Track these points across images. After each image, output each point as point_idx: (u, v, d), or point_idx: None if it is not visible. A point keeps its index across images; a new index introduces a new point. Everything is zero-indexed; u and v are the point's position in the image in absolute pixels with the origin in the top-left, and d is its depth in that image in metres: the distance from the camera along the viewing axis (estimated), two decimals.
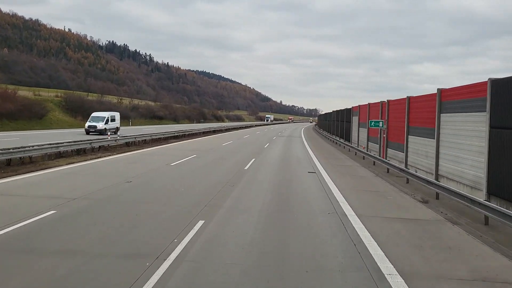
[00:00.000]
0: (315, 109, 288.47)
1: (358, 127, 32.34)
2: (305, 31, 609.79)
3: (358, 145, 31.18)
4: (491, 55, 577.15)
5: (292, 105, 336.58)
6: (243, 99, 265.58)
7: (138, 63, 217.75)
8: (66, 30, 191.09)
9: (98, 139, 23.92)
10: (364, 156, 24.27)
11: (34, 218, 8.39)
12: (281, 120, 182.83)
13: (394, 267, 6.40)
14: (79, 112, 55.08)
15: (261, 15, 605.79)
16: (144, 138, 29.82)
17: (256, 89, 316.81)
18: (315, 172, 17.58)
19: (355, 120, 34.25)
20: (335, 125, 47.13)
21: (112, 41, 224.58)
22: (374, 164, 21.29)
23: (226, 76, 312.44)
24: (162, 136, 33.89)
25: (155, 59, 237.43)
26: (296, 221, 9.09)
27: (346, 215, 9.81)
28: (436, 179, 14.63)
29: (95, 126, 35.53)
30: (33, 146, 17.38)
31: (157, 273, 5.74)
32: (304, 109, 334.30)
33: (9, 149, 15.88)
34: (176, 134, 37.39)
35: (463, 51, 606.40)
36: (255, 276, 5.90)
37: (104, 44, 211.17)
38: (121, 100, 78.26)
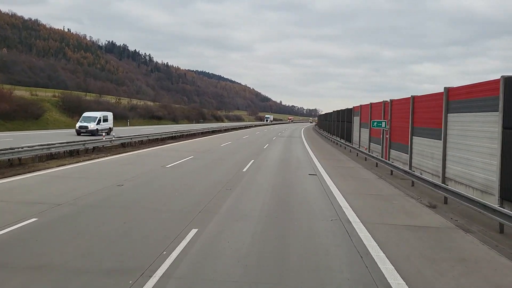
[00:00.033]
0: (315, 109, 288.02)
1: (360, 128, 31.67)
2: (305, 31, 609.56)
3: (359, 145, 30.51)
4: (491, 55, 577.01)
5: (292, 105, 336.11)
6: (243, 99, 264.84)
7: (137, 63, 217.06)
8: (66, 30, 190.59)
9: (92, 139, 23.23)
10: (366, 158, 23.62)
11: (12, 228, 7.71)
12: (280, 120, 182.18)
13: (406, 284, 5.75)
14: (76, 112, 54.28)
15: (261, 15, 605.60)
16: (140, 139, 29.14)
17: (256, 89, 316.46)
18: (316, 174, 16.92)
19: (356, 120, 33.59)
20: (336, 126, 46.47)
21: (112, 41, 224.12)
22: (376, 166, 20.63)
23: (226, 76, 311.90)
24: (160, 137, 33.21)
25: (154, 59, 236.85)
26: (297, 229, 8.43)
27: (350, 222, 9.15)
28: (443, 182, 13.98)
29: (86, 127, 34.18)
30: (22, 148, 16.70)
31: None
32: (304, 109, 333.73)
33: None
34: (174, 135, 36.71)
35: (463, 51, 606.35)
36: None
37: (103, 44, 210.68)
38: (119, 100, 77.51)
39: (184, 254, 6.58)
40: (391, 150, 21.94)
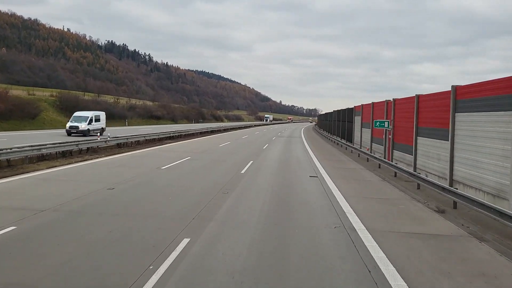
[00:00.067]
0: (315, 109, 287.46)
1: (361, 128, 30.99)
2: (305, 31, 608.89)
3: (360, 146, 29.85)
4: (491, 55, 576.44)
5: (292, 105, 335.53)
6: (243, 99, 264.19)
7: (137, 63, 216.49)
8: (65, 30, 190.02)
9: (86, 140, 22.55)
10: (368, 158, 22.96)
11: None
12: (280, 120, 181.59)
13: None
14: (73, 112, 53.38)
15: (261, 15, 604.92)
16: (137, 139, 28.47)
17: (255, 89, 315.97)
18: (317, 176, 16.27)
19: (357, 120, 32.91)
20: (336, 125, 45.80)
21: (111, 40, 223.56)
22: (379, 167, 19.98)
23: (225, 76, 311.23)
24: (157, 137, 32.53)
25: (154, 59, 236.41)
26: (298, 239, 7.77)
27: (355, 230, 8.49)
28: (451, 184, 13.32)
29: (77, 127, 32.50)
30: (11, 149, 16.02)
31: None
32: (303, 109, 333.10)
33: None
34: (171, 135, 36.03)
35: (463, 51, 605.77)
36: None
37: (103, 44, 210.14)
38: (118, 100, 76.81)
39: (173, 269, 5.92)
40: (394, 151, 21.28)
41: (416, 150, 17.50)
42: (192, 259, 6.39)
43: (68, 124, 33.25)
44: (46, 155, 17.93)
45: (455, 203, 11.17)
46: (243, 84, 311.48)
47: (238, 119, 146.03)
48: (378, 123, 21.94)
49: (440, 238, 8.23)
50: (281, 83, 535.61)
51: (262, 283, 5.61)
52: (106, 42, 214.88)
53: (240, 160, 20.92)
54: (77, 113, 35.30)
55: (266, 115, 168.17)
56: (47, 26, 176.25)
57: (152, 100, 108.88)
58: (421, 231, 8.68)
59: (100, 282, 5.47)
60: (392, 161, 20.13)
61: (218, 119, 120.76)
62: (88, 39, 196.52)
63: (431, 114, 16.08)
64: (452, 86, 13.70)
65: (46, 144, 18.12)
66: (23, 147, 16.79)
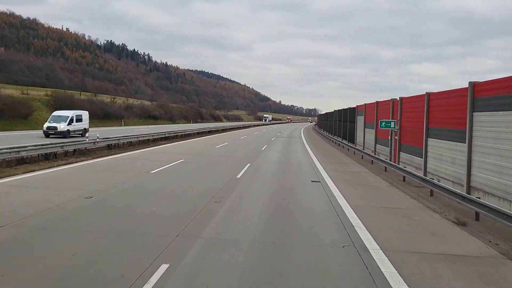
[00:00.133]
0: (314, 109, 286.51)
1: (364, 128, 29.66)
2: (304, 31, 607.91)
3: (363, 147, 28.55)
4: (490, 55, 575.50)
5: (291, 105, 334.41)
6: (242, 99, 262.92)
7: (136, 63, 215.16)
8: (64, 29, 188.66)
9: (73, 141, 21.17)
10: (372, 161, 21.65)
11: None
12: (280, 120, 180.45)
13: None
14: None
15: (260, 15, 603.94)
16: (129, 140, 27.12)
17: (255, 89, 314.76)
18: (319, 181, 14.97)
19: (360, 120, 31.59)
20: (338, 126, 44.46)
21: (111, 40, 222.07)
22: (385, 170, 18.67)
23: (225, 76, 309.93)
24: (151, 138, 31.15)
25: (153, 59, 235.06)
26: (300, 264, 6.45)
27: (368, 250, 7.18)
28: (468, 192, 12.01)
29: (55, 127, 29.37)
30: None
31: None
32: (303, 109, 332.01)
33: None
34: (167, 135, 34.68)
35: (462, 51, 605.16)
36: None
37: (102, 43, 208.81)
38: (114, 99, 75.43)
39: None
40: (401, 153, 19.97)
41: (426, 152, 16.19)
42: None
43: (46, 125, 30.21)
44: (27, 158, 16.60)
45: (477, 214, 9.87)
46: (243, 84, 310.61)
47: (237, 119, 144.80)
48: (383, 123, 20.63)
49: (470, 261, 6.92)
50: (280, 83, 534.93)
51: None
52: (105, 41, 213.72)
53: (237, 162, 19.62)
54: (56, 113, 32.32)
55: (265, 115, 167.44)
56: (45, 25, 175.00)
57: (151, 100, 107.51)
58: (445, 251, 7.37)
59: None
60: (398, 164, 18.82)
61: (217, 119, 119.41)
62: (87, 38, 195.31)
63: (444, 114, 14.76)
64: (470, 83, 12.39)
65: (26, 146, 16.77)
66: (0, 149, 15.45)
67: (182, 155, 22.15)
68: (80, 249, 6.65)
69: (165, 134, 34.49)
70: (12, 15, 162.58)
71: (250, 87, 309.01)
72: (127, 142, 26.61)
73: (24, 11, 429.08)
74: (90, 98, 67.28)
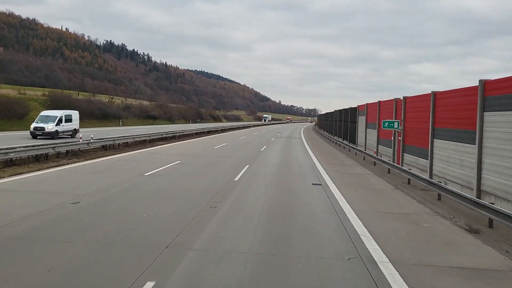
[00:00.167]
0: (314, 109, 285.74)
1: (366, 128, 29.02)
2: (304, 31, 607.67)
3: (365, 148, 27.91)
4: (490, 55, 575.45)
5: (291, 105, 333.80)
6: (242, 99, 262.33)
7: (136, 63, 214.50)
8: (63, 29, 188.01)
9: (65, 142, 20.49)
10: (375, 162, 21.00)
11: None
12: (279, 120, 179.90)
13: None
14: None
15: (260, 15, 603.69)
16: (125, 141, 26.44)
17: (255, 89, 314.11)
18: (320, 184, 14.32)
19: (361, 120, 30.94)
20: (338, 126, 43.82)
21: (110, 40, 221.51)
22: (389, 172, 18.01)
23: (224, 76, 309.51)
24: (148, 138, 30.46)
25: (153, 59, 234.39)
26: (302, 278, 5.79)
27: (376, 262, 6.53)
28: (478, 196, 11.37)
29: (43, 128, 27.79)
30: None
31: None
32: (303, 109, 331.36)
33: None
34: (164, 136, 34.00)
35: (462, 51, 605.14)
36: None
37: (101, 43, 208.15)
38: (113, 99, 74.76)
39: None
40: (404, 154, 19.33)
41: (432, 154, 15.55)
42: None
43: (33, 125, 28.57)
44: (16, 159, 15.93)
45: (491, 221, 9.23)
46: (242, 84, 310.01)
47: (237, 119, 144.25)
48: (386, 123, 19.97)
49: (489, 275, 6.26)
50: (280, 83, 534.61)
51: None
52: (104, 42, 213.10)
53: (235, 164, 18.97)
54: (44, 112, 30.93)
55: (264, 115, 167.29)
56: (45, 25, 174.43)
57: (150, 100, 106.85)
58: (460, 264, 6.72)
59: None
60: (402, 165, 18.20)
61: (216, 119, 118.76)
62: (86, 38, 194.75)
63: (451, 114, 14.11)
64: (480, 81, 11.74)
65: (15, 147, 16.08)
66: None
67: (178, 156, 21.49)
68: (57, 263, 5.98)
69: (162, 135, 33.83)
70: (11, 15, 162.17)
71: (250, 87, 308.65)
72: (123, 142, 25.93)
73: (24, 11, 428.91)
74: (88, 98, 66.61)
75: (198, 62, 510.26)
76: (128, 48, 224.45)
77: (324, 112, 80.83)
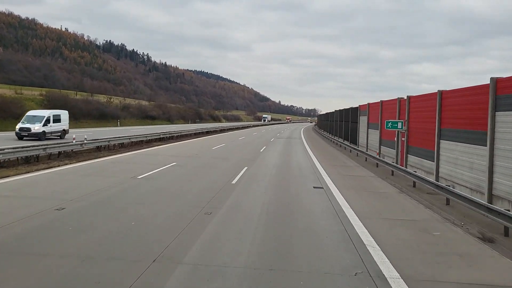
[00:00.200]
0: (314, 109, 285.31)
1: (367, 129, 28.35)
2: (304, 31, 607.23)
3: (367, 149, 27.24)
4: (490, 55, 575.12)
5: (291, 105, 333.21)
6: (242, 99, 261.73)
7: (135, 63, 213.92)
8: (63, 29, 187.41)
9: (57, 143, 19.81)
10: (377, 164, 20.33)
11: None
12: (279, 120, 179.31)
13: None
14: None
15: (260, 15, 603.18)
16: (121, 141, 25.76)
17: (254, 89, 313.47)
18: (322, 187, 13.66)
19: (363, 120, 30.27)
20: (339, 126, 43.15)
21: (110, 40, 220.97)
22: (392, 174, 17.35)
23: (224, 76, 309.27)
24: (145, 139, 29.77)
25: (152, 59, 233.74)
26: None
27: (386, 279, 5.87)
28: (490, 201, 10.72)
29: (29, 129, 26.34)
30: None
31: None
32: (303, 109, 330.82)
33: None
34: (162, 136, 33.33)
35: (462, 51, 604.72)
36: None
37: (101, 43, 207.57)
38: (111, 99, 74.08)
39: None
40: (409, 155, 18.66)
41: (438, 155, 14.89)
42: None
43: (18, 126, 27.04)
44: (5, 161, 15.27)
45: (506, 229, 8.56)
46: (242, 84, 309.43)
47: (237, 119, 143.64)
48: (390, 124, 19.32)
49: None
50: (280, 83, 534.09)
51: None
52: (104, 41, 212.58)
53: (233, 166, 18.30)
54: (31, 112, 29.26)
55: (264, 115, 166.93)
56: (44, 25, 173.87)
57: (149, 100, 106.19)
58: (479, 280, 6.06)
59: None
60: (406, 167, 17.54)
61: (216, 119, 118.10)
62: (86, 38, 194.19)
63: (459, 113, 13.46)
64: (492, 79, 11.08)
65: (4, 149, 15.40)
66: None
67: (175, 157, 20.83)
68: (26, 283, 5.31)
69: (160, 135, 33.16)
70: (10, 15, 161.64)
71: (250, 87, 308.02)
72: (119, 143, 25.26)
73: (23, 11, 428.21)
74: (86, 98, 65.98)
75: (198, 62, 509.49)
76: (127, 48, 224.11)
77: (324, 112, 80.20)
